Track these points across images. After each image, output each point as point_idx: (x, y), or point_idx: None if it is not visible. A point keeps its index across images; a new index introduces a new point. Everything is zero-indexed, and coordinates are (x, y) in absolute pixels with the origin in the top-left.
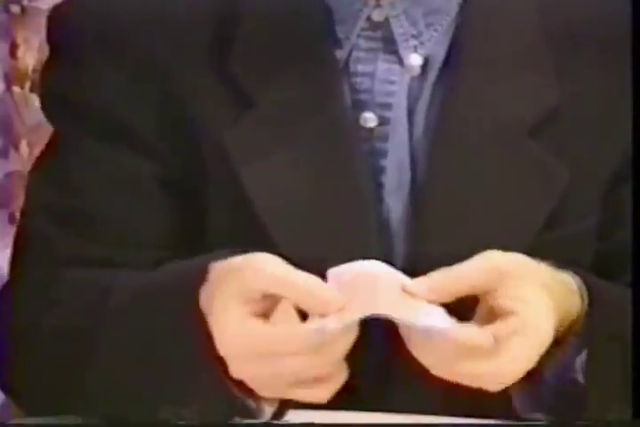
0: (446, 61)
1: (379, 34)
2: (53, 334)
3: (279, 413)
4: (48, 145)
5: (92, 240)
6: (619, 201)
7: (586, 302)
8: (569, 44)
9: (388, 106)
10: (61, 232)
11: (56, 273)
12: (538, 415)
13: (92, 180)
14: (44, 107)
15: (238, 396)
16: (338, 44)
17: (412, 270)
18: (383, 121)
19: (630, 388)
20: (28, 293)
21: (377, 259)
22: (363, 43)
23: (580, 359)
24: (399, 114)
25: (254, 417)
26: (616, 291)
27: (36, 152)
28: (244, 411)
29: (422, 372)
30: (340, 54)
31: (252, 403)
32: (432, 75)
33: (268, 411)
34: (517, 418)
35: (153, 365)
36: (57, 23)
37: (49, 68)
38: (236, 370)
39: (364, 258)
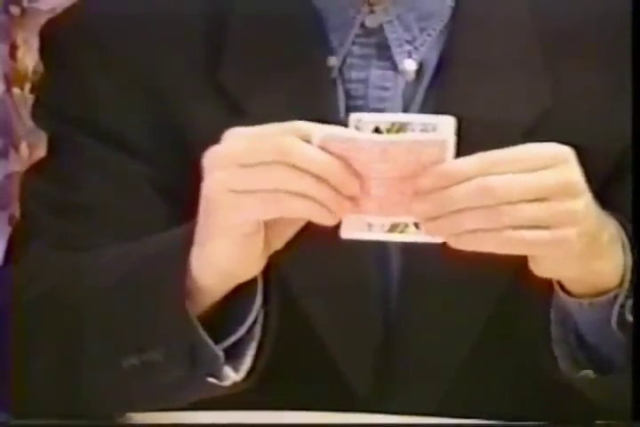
0: (439, 65)
1: (372, 40)
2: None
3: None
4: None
5: (90, 232)
6: (615, 201)
7: (628, 254)
8: (563, 44)
9: (382, 111)
10: (59, 223)
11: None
12: (586, 373)
13: (90, 179)
14: (33, 114)
15: (202, 340)
16: (331, 51)
17: None
18: None
19: (630, 388)
20: (25, 274)
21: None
22: (357, 49)
23: (619, 311)
24: None
25: (216, 366)
26: None
27: (37, 153)
28: (207, 357)
29: (422, 373)
30: (334, 61)
31: (214, 350)
32: (425, 79)
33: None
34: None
35: (127, 306)
36: (49, 37)
37: (42, 80)
38: (215, 181)
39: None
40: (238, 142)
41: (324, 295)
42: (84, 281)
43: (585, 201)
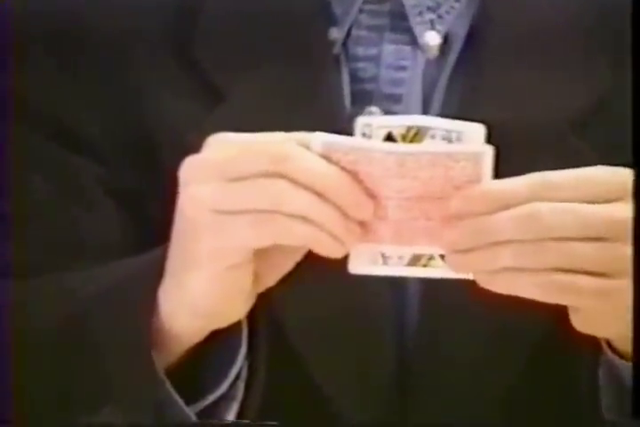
0: (469, 40)
1: (385, 7)
2: None
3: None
4: None
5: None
6: None
7: None
8: (622, 29)
9: (397, 98)
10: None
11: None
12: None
13: (36, 182)
14: None
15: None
16: (333, 20)
17: None
18: None
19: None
20: None
21: None
22: (365, 19)
23: None
24: (411, 107)
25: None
26: None
27: None
28: (176, 419)
29: (439, 386)
30: (337, 34)
31: (184, 411)
32: (452, 58)
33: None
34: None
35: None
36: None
37: None
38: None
39: None
40: (224, 150)
41: (325, 342)
42: (25, 317)
43: None
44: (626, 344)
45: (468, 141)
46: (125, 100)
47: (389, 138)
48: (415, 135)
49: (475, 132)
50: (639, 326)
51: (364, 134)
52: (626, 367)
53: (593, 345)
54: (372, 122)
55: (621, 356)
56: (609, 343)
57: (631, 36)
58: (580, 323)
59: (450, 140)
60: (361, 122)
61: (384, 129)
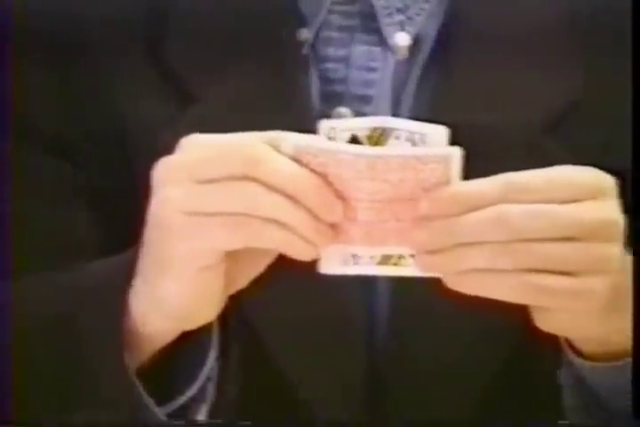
0: (439, 42)
1: (355, 8)
2: None
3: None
4: None
5: None
6: None
7: None
8: (594, 30)
9: (366, 99)
10: None
11: None
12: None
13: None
14: None
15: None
16: (302, 21)
17: None
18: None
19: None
20: None
21: None
22: (335, 20)
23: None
24: (381, 108)
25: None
26: None
27: None
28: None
29: (409, 386)
30: (306, 34)
31: (155, 414)
32: (421, 59)
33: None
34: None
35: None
36: None
37: None
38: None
39: None
40: (197, 152)
41: (297, 343)
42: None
43: (621, 246)
44: (587, 345)
45: (431, 144)
46: (98, 100)
47: (354, 140)
48: (380, 136)
49: (438, 134)
50: (639, 325)
51: (328, 138)
52: (587, 367)
53: (556, 345)
54: (336, 125)
55: (582, 356)
56: (569, 343)
57: (631, 35)
58: (546, 322)
59: (413, 142)
60: (325, 125)
61: (348, 132)
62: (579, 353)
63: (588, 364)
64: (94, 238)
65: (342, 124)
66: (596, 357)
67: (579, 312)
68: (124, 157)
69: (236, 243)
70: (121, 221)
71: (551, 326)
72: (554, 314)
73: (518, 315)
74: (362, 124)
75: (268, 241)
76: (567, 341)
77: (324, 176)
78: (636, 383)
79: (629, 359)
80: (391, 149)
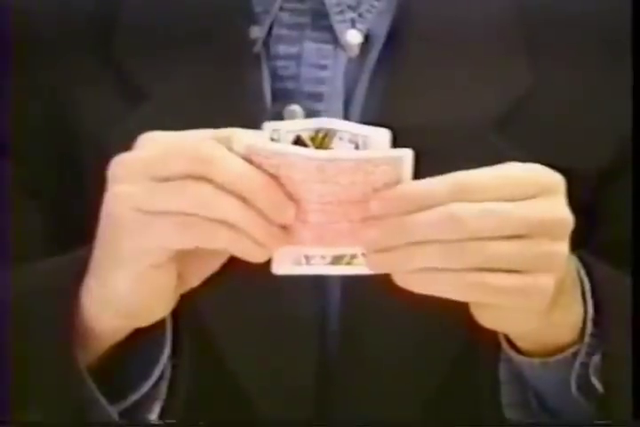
0: (390, 39)
1: (306, 5)
2: None
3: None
4: None
5: None
6: (611, 201)
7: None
8: (546, 26)
9: (318, 96)
10: None
11: None
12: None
13: None
14: None
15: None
16: (253, 19)
17: None
18: (313, 115)
19: (630, 388)
20: None
21: None
22: (286, 17)
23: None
24: (333, 106)
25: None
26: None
27: None
28: (97, 418)
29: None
30: (258, 33)
31: (107, 411)
32: (373, 56)
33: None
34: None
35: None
36: None
37: None
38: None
39: None
40: (153, 149)
41: (249, 343)
42: None
43: (567, 243)
44: (524, 340)
45: (374, 146)
46: (46, 99)
47: (299, 141)
48: (324, 138)
49: (380, 136)
50: (639, 325)
51: (272, 139)
52: (526, 363)
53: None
54: (280, 126)
55: (520, 352)
56: (508, 340)
57: (631, 35)
58: (487, 319)
59: (356, 144)
60: (269, 127)
61: (292, 133)
62: (517, 350)
63: (526, 360)
64: (42, 238)
65: (286, 125)
66: (534, 353)
67: (522, 308)
68: (74, 156)
69: (186, 243)
70: (70, 220)
71: (490, 321)
72: (493, 309)
73: (468, 313)
74: (305, 126)
75: (217, 242)
76: (506, 337)
77: (275, 178)
78: (636, 383)
79: (570, 351)
80: (342, 152)
